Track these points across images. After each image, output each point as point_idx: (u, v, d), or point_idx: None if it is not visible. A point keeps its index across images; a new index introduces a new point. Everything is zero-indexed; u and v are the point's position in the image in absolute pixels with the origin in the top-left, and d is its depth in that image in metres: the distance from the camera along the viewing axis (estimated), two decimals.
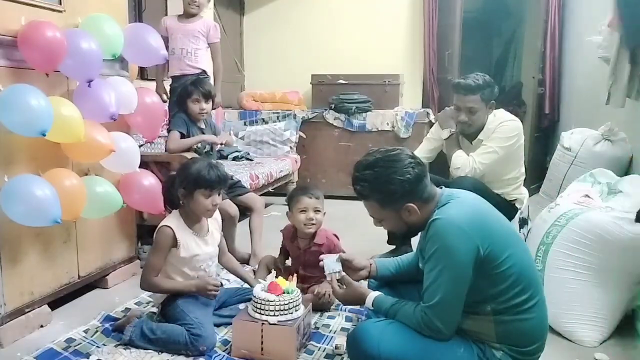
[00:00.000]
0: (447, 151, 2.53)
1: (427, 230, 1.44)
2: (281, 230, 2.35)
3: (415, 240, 2.65)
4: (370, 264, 1.81)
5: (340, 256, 1.79)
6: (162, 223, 1.92)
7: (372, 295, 1.61)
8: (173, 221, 1.93)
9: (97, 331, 1.94)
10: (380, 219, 1.55)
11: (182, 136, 2.68)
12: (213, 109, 2.88)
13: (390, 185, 1.44)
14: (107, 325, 1.98)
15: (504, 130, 2.43)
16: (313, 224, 2.18)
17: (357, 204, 4.35)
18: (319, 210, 2.20)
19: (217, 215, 2.07)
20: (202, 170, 1.88)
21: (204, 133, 2.76)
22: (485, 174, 2.43)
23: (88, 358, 1.75)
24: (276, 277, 1.87)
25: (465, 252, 1.36)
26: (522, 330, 1.42)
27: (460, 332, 1.45)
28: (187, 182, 1.89)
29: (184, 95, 2.70)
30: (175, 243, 1.90)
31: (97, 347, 1.83)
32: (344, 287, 1.69)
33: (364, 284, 2.03)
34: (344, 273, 1.72)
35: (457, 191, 1.53)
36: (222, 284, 1.97)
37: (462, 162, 2.41)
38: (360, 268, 1.79)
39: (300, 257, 2.26)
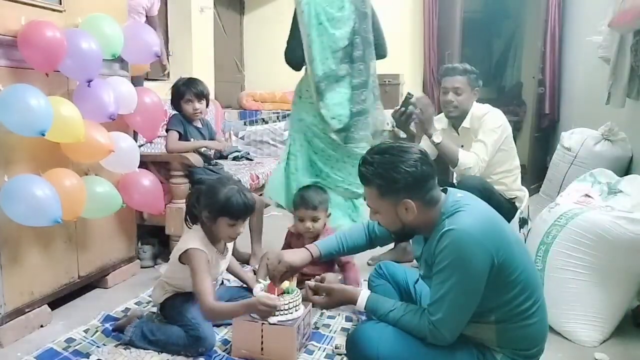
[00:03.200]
0: (446, 152, 2.44)
1: (439, 240, 1.38)
2: (289, 227, 2.37)
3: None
4: (311, 250, 1.81)
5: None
6: (192, 246, 1.80)
7: (364, 296, 1.57)
8: (198, 242, 1.81)
9: (97, 331, 1.93)
10: (377, 211, 1.49)
11: (180, 135, 2.68)
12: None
13: (393, 173, 1.39)
14: (107, 325, 1.98)
15: (490, 120, 2.47)
16: (311, 232, 2.24)
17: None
18: (317, 219, 2.22)
19: None
20: (230, 198, 1.78)
21: (200, 132, 2.76)
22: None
23: (88, 358, 1.75)
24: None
25: (481, 264, 1.32)
26: (524, 335, 1.42)
27: (460, 336, 1.44)
28: (213, 207, 1.80)
29: (177, 96, 2.70)
30: (208, 259, 1.82)
31: (97, 347, 1.83)
32: (323, 295, 1.67)
33: (364, 285, 2.04)
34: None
35: (464, 196, 1.47)
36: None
37: (472, 161, 2.39)
38: (301, 263, 1.79)
39: None
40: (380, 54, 2.66)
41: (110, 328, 1.95)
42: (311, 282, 1.70)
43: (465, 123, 2.53)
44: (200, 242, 1.82)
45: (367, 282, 1.95)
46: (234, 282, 2.42)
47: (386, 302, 1.55)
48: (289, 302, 1.74)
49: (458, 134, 2.58)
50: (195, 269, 1.77)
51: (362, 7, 2.49)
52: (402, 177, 1.39)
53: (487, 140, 2.42)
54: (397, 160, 1.40)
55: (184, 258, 1.81)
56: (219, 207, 1.79)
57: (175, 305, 1.87)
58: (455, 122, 2.58)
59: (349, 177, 2.55)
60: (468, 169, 2.38)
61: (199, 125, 2.77)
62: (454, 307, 1.35)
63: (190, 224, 1.92)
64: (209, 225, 1.85)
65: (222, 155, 3.56)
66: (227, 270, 2.22)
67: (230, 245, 2.04)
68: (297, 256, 1.79)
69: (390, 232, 1.56)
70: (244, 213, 1.82)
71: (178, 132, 2.67)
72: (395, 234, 1.54)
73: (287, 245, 2.41)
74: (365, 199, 1.56)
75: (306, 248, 1.82)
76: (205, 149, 2.75)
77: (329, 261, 2.29)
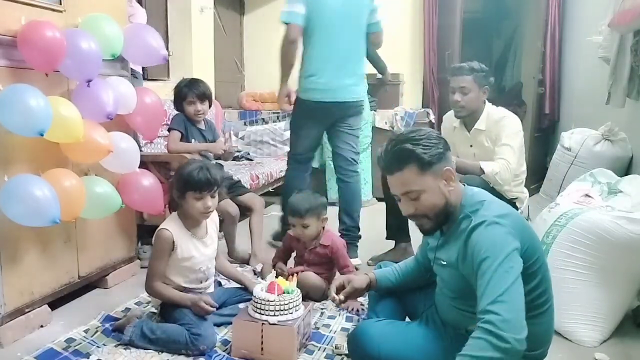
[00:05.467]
0: (466, 170, 2.40)
1: (467, 239, 1.35)
2: (289, 231, 2.37)
3: (414, 241, 2.67)
4: (370, 278, 1.76)
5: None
6: (161, 226, 1.92)
7: None
8: (171, 224, 1.93)
9: (97, 331, 1.93)
10: (418, 194, 1.40)
11: (182, 136, 2.69)
12: None
13: (430, 141, 1.40)
14: (107, 325, 1.98)
15: (511, 124, 2.44)
16: (305, 236, 2.26)
17: None
18: (307, 226, 2.23)
19: (214, 216, 2.07)
20: (192, 172, 1.89)
21: (202, 134, 2.76)
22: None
23: (88, 358, 1.75)
24: (276, 277, 1.87)
25: (515, 246, 1.30)
26: (530, 333, 1.41)
27: (464, 334, 1.44)
28: (179, 184, 1.91)
29: (179, 97, 2.70)
30: (173, 246, 1.89)
31: (97, 347, 1.83)
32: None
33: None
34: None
35: (479, 191, 1.48)
36: (217, 307, 1.88)
37: (498, 166, 2.36)
38: (360, 287, 1.74)
39: (305, 255, 2.32)
40: (382, 71, 4.32)
41: (110, 328, 1.95)
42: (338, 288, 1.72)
43: (480, 124, 2.48)
44: (172, 225, 1.92)
45: None
46: (234, 282, 2.42)
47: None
48: (289, 302, 1.74)
49: (469, 133, 2.54)
50: (153, 249, 1.92)
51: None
52: (438, 142, 1.41)
53: (512, 144, 2.39)
54: (424, 132, 1.43)
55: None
56: (184, 181, 1.89)
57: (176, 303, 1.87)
58: (468, 121, 2.54)
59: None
60: (496, 174, 2.34)
61: (202, 126, 2.77)
62: (511, 291, 1.24)
63: (170, 212, 2.03)
64: (181, 204, 1.94)
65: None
66: (222, 274, 2.20)
67: (214, 235, 2.04)
68: (358, 278, 1.76)
69: (429, 218, 1.45)
70: (206, 184, 1.89)
71: (180, 132, 2.67)
72: (437, 216, 1.44)
73: (287, 248, 2.42)
74: (398, 201, 1.48)
75: (366, 274, 1.78)
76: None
77: (329, 263, 2.30)
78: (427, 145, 1.39)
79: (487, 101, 2.51)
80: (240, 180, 2.97)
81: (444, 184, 1.41)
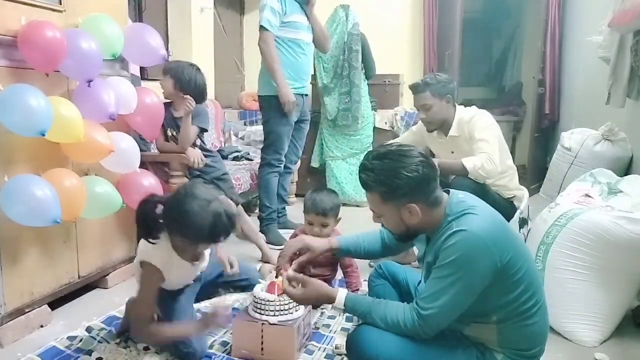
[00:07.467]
0: (451, 171, 2.44)
1: (446, 239, 1.36)
2: (295, 231, 2.36)
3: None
4: (331, 244, 1.80)
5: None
6: (144, 258, 1.62)
7: (342, 294, 1.52)
8: (157, 254, 1.61)
9: (98, 330, 1.93)
10: (380, 214, 1.48)
11: (163, 129, 2.67)
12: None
13: (395, 179, 1.37)
14: (108, 325, 1.98)
15: (480, 120, 2.45)
16: (319, 236, 2.18)
17: (355, 206, 4.29)
18: (326, 225, 2.20)
19: None
20: (215, 221, 1.51)
21: (176, 123, 2.67)
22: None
23: (90, 355, 1.76)
24: (276, 277, 1.87)
25: (484, 269, 1.32)
26: (525, 334, 1.41)
27: (460, 336, 1.45)
28: (190, 231, 1.54)
29: None
30: (162, 280, 1.65)
31: (99, 342, 1.84)
32: (299, 287, 1.58)
33: (364, 285, 2.02)
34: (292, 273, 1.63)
35: (466, 197, 1.46)
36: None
37: (479, 160, 2.34)
38: (319, 249, 1.78)
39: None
40: (369, 75, 4.14)
41: (110, 328, 1.95)
42: (290, 272, 1.63)
43: (453, 131, 2.51)
44: (157, 256, 1.61)
45: (367, 282, 1.95)
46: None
47: (366, 298, 1.54)
48: (289, 302, 1.74)
49: (446, 139, 2.57)
50: (140, 286, 1.64)
51: (352, 44, 4.00)
52: (404, 183, 1.37)
53: (485, 137, 2.39)
54: (397, 166, 1.38)
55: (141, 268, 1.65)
56: (198, 231, 1.53)
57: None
58: (442, 130, 2.58)
59: (339, 145, 4.25)
60: (479, 168, 2.33)
61: (177, 115, 2.66)
62: (447, 304, 1.34)
63: (153, 240, 1.62)
64: (177, 245, 1.63)
65: (222, 156, 3.56)
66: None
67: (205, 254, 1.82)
68: (316, 241, 1.80)
69: (394, 235, 1.55)
70: (225, 236, 1.57)
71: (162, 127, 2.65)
72: (400, 236, 1.52)
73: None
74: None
75: (327, 240, 1.83)
76: (175, 132, 2.69)
77: (334, 263, 2.29)
78: (392, 185, 1.38)
79: (457, 106, 2.54)
80: (226, 178, 2.88)
81: (407, 215, 1.42)
